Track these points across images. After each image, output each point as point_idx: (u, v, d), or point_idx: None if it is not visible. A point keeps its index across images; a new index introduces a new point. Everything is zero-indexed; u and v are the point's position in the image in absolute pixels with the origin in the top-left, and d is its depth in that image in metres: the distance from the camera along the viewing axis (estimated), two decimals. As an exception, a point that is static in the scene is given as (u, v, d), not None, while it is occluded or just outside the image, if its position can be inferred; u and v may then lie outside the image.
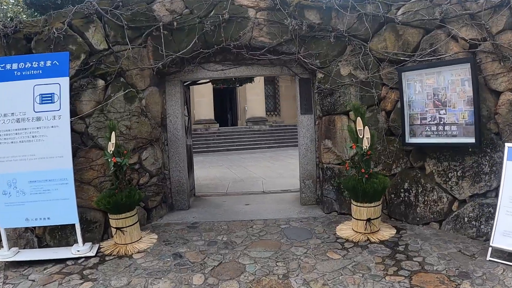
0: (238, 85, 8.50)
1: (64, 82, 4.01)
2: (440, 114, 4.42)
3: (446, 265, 3.30)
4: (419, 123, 4.60)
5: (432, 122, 4.48)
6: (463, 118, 4.14)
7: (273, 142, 18.87)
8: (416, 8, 4.58)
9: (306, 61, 5.18)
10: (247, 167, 10.77)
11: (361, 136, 4.36)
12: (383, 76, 4.97)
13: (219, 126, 20.96)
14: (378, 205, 4.29)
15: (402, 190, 4.72)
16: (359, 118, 4.41)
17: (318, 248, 3.93)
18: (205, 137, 18.76)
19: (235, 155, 15.11)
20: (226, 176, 9.20)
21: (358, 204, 4.27)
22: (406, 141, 4.65)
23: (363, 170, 4.27)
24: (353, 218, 4.38)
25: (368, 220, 4.20)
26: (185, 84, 6.03)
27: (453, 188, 4.23)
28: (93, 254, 3.93)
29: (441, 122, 4.40)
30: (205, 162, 12.50)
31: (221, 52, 5.35)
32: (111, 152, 4.03)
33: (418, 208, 4.55)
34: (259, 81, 20.66)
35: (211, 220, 5.03)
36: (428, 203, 4.46)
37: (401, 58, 4.77)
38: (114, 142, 4.09)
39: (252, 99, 21.22)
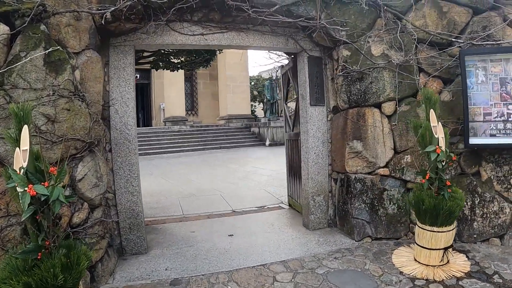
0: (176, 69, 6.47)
1: None
2: (508, 110, 3.43)
3: None
4: (481, 119, 3.54)
5: (499, 119, 3.44)
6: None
7: (197, 145, 16.89)
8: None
9: (329, 31, 3.64)
10: (186, 175, 8.73)
11: (436, 136, 3.03)
12: (422, 60, 3.78)
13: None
14: (455, 227, 3.13)
15: (454, 203, 3.63)
16: (432, 111, 3.08)
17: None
18: (116, 138, 15.66)
19: (159, 160, 12.72)
20: (168, 189, 7.07)
21: (435, 229, 3.01)
22: (470, 143, 3.50)
23: (448, 183, 2.99)
24: (420, 247, 3.15)
25: (446, 248, 3.03)
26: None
27: (517, 196, 3.43)
28: None
29: (510, 119, 3.37)
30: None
31: (205, 5, 3.46)
32: (21, 172, 1.88)
33: (475, 223, 3.67)
34: (178, 75, 18.42)
35: (198, 273, 3.10)
36: (488, 215, 3.64)
37: (447, 39, 3.69)
38: (27, 148, 1.93)
39: (172, 96, 18.79)
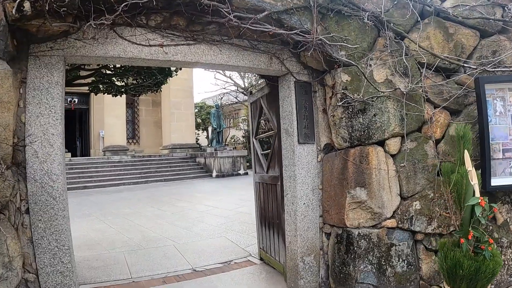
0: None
1: None
2: (531, 146, 2.92)
3: None
4: (500, 156, 2.96)
5: (521, 156, 2.92)
6: None
7: (139, 177, 15.33)
8: (473, 3, 3.36)
9: (327, 48, 2.90)
10: (131, 217, 7.35)
11: (472, 182, 2.36)
12: (428, 88, 3.23)
13: (71, 156, 16.02)
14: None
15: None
16: (466, 153, 2.40)
17: None
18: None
19: (98, 196, 11.04)
20: (110, 237, 5.69)
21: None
22: (492, 185, 2.93)
23: (491, 240, 2.33)
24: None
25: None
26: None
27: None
28: None
29: (532, 155, 2.90)
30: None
31: (167, 6, 2.52)
32: None
33: (494, 273, 2.95)
34: (119, 100, 16.88)
35: None
36: (506, 263, 3.19)
37: (455, 64, 3.20)
38: None
39: (112, 123, 17.04)
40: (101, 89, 5.45)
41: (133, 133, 21.10)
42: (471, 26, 3.34)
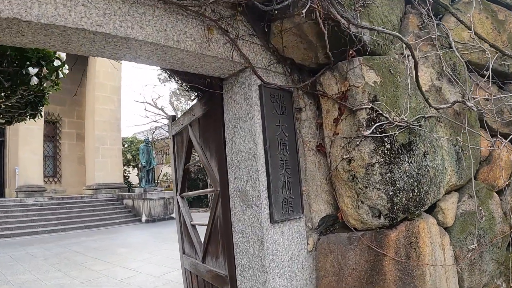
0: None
1: None
2: None
3: None
4: None
5: None
6: None
7: (57, 223, 12.59)
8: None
9: (336, 8, 1.31)
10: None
11: None
12: (482, 103, 1.80)
13: None
14: None
15: None
16: None
17: None
18: None
19: (1, 251, 8.47)
20: None
21: None
22: None
23: None
24: None
25: None
26: None
27: None
28: None
29: None
30: None
31: None
32: None
33: None
34: (36, 133, 14.25)
35: None
36: None
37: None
38: None
39: (26, 158, 14.18)
40: None
41: (54, 170, 17.99)
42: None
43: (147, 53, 1.36)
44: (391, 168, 1.49)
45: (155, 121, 21.34)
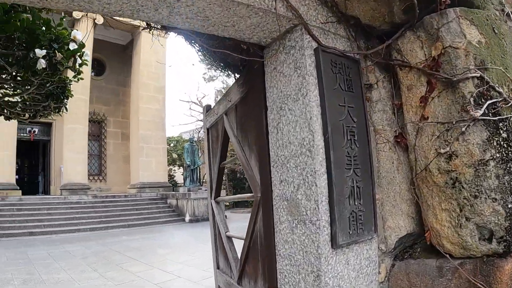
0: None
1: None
2: None
3: None
4: None
5: None
6: None
7: (99, 221, 12.81)
8: None
9: None
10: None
11: None
12: None
13: (22, 195, 13.50)
14: None
15: None
16: None
17: None
18: (-3, 211, 11.45)
19: (42, 248, 8.63)
20: None
21: None
22: None
23: None
24: None
25: None
26: None
27: None
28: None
29: None
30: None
31: None
32: None
33: None
34: (80, 132, 14.71)
35: None
36: None
37: None
38: None
39: (71, 158, 14.66)
40: None
41: (99, 169, 18.64)
42: None
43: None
44: (510, 167, 0.99)
45: (200, 120, 21.45)
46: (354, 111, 1.21)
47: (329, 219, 1.07)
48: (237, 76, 1.63)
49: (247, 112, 1.49)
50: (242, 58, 1.40)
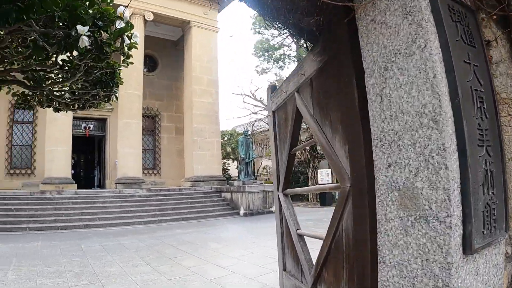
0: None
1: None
2: None
3: None
4: None
5: None
6: None
7: (153, 215, 13.22)
8: None
9: None
10: (107, 286, 5.09)
11: None
12: None
13: (77, 189, 14.26)
14: None
15: None
16: None
17: None
18: (55, 204, 12.00)
19: (96, 240, 8.97)
20: None
21: None
22: None
23: None
24: None
25: None
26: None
27: None
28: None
29: None
30: (35, 259, 6.19)
31: None
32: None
33: None
34: (134, 128, 15.31)
35: None
36: None
37: None
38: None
39: (125, 153, 15.28)
40: (35, 101, 3.34)
41: (153, 163, 19.39)
42: None
43: None
44: None
45: (254, 113, 21.39)
46: (479, 71, 0.89)
47: (462, 215, 0.78)
48: (312, 44, 1.37)
49: (327, 84, 1.21)
50: (318, 21, 1.13)
